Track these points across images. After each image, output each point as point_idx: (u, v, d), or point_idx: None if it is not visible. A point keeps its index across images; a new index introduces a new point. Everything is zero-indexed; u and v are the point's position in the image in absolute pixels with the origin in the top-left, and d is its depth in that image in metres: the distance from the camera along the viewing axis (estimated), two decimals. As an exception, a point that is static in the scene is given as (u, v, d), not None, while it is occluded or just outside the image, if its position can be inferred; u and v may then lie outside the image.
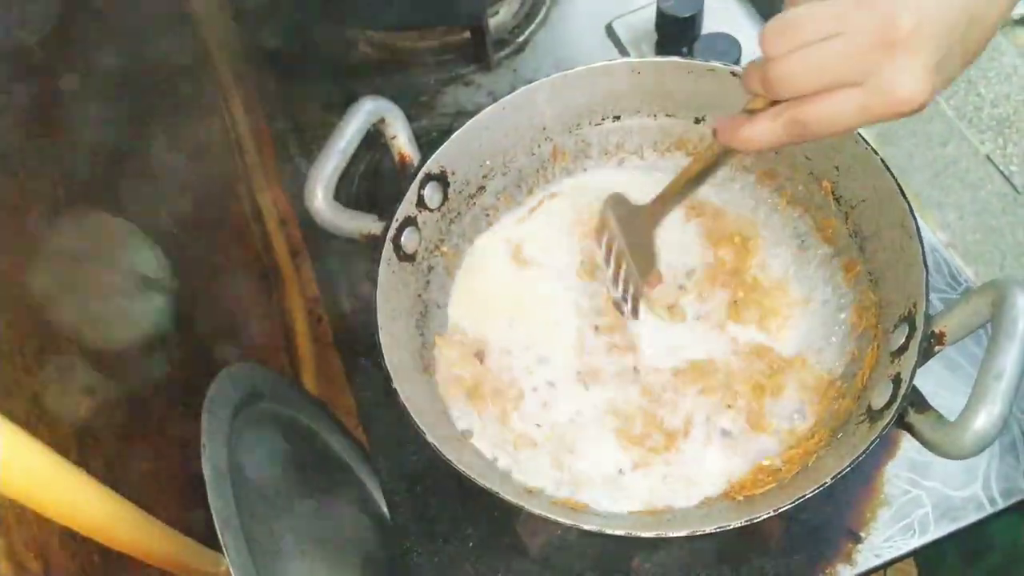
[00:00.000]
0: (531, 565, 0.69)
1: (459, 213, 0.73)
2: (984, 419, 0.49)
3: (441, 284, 0.72)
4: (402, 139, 0.68)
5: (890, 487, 0.71)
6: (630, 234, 0.67)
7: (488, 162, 0.74)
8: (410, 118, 0.93)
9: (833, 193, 0.69)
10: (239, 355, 0.77)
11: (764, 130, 0.48)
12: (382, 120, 0.67)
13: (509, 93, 0.71)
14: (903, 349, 0.58)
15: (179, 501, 0.59)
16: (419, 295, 0.70)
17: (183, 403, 0.63)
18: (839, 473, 0.53)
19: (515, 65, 0.99)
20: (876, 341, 0.63)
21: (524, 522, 0.67)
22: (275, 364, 0.94)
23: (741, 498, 0.60)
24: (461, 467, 0.56)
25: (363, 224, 0.66)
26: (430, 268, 0.71)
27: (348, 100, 0.75)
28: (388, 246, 0.66)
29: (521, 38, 1.00)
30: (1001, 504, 0.69)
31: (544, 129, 0.75)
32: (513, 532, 0.69)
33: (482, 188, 0.74)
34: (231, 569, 0.51)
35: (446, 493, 0.72)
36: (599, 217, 0.69)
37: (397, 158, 0.68)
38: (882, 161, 0.63)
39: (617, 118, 0.75)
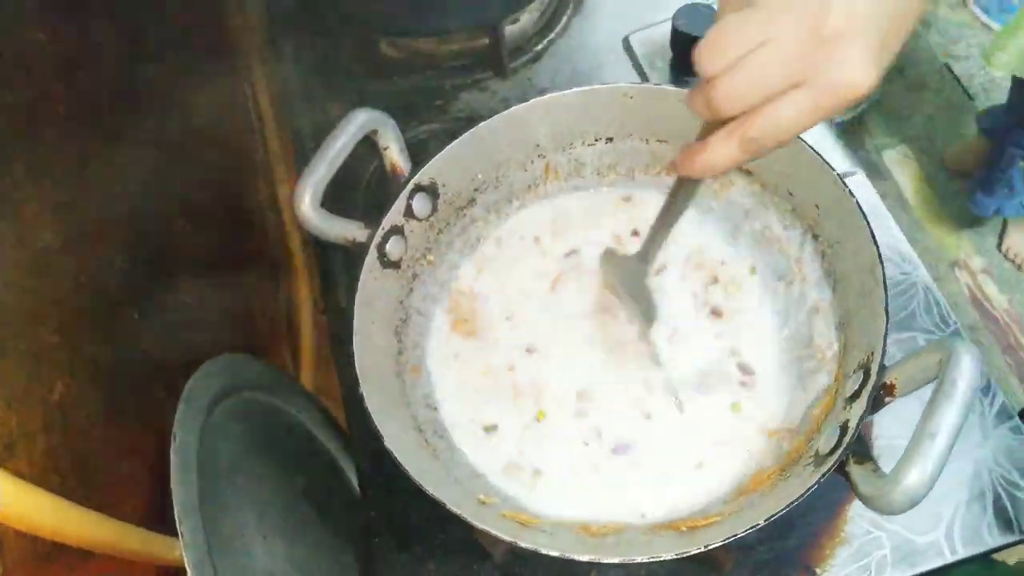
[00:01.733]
0: (494, 571, 0.71)
1: (448, 223, 0.75)
2: (915, 477, 0.49)
3: (425, 293, 0.74)
4: (394, 150, 0.70)
5: (852, 526, 0.71)
6: (629, 285, 0.67)
7: (480, 176, 0.75)
8: (422, 121, 0.97)
9: (812, 231, 0.69)
10: (241, 343, 0.80)
11: (720, 153, 0.48)
12: (375, 131, 0.69)
13: (522, 102, 0.72)
14: (855, 396, 0.59)
15: (157, 489, 0.62)
16: (401, 301, 0.72)
17: (169, 389, 0.66)
18: (772, 516, 0.54)
19: (530, 74, 1.01)
20: (836, 384, 0.63)
21: (481, 531, 0.69)
22: (277, 355, 0.97)
23: (685, 528, 0.61)
24: (412, 472, 0.58)
25: (349, 231, 0.68)
26: (415, 276, 0.74)
27: (364, 101, 0.78)
28: (372, 253, 0.69)
29: (539, 47, 1.01)
30: (962, 554, 0.69)
31: (537, 146, 0.76)
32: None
33: (472, 201, 0.76)
34: (184, 552, 0.54)
35: (420, 493, 0.75)
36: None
37: (389, 168, 0.71)
38: (857, 204, 0.64)
39: (610, 140, 0.76)
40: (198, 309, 0.81)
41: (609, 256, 0.70)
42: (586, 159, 0.77)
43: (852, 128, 1.97)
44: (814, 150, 0.66)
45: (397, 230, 0.71)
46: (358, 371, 0.63)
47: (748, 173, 0.73)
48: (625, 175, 0.78)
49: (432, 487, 0.57)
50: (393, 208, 0.70)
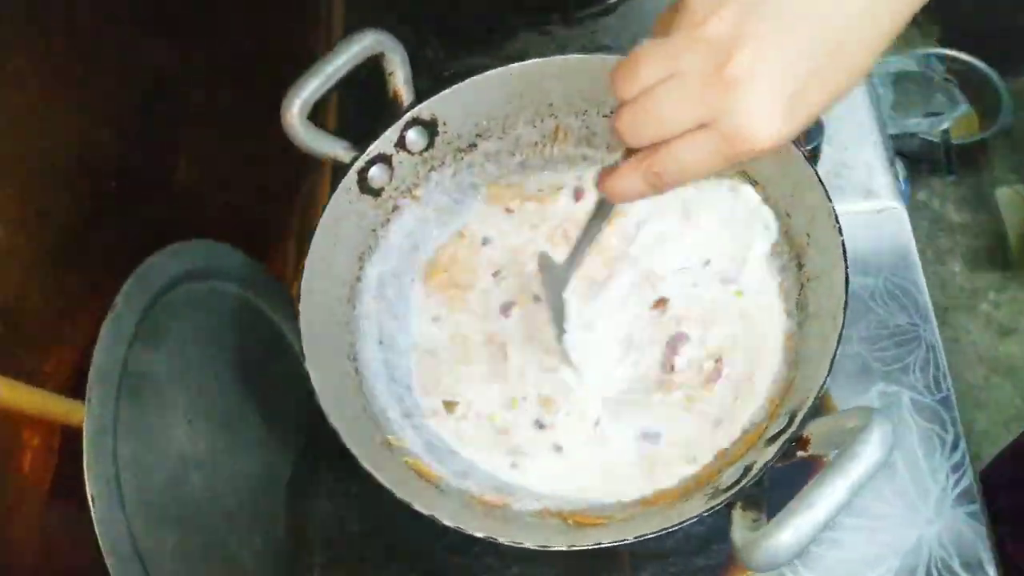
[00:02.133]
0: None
1: (443, 163, 0.74)
2: (780, 541, 0.46)
3: (402, 228, 0.74)
4: (398, 77, 0.69)
5: (765, 564, 0.69)
6: (552, 291, 0.65)
7: (485, 122, 0.73)
8: (472, 51, 0.95)
9: (799, 259, 0.65)
10: (240, 239, 0.81)
11: (626, 181, 0.46)
12: (381, 55, 0.68)
13: (578, 52, 0.71)
14: (774, 439, 0.56)
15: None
16: (373, 230, 0.72)
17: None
18: (641, 536, 0.53)
19: (596, 27, 0.97)
20: (767, 422, 0.60)
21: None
22: (276, 259, 0.98)
23: (572, 522, 0.60)
24: (325, 407, 0.58)
25: (333, 149, 0.68)
26: (395, 208, 0.73)
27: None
28: (352, 176, 0.68)
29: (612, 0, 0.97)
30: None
31: (551, 105, 0.73)
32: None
33: (473, 146, 0.75)
34: (85, 419, 0.57)
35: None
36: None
37: (391, 95, 0.70)
38: (843, 243, 0.59)
39: (626, 115, 0.72)
40: (196, 191, 0.83)
41: (543, 259, 0.67)
42: (598, 128, 0.74)
43: (971, 153, 1.82)
44: (819, 176, 0.62)
45: (384, 158, 0.70)
46: (302, 288, 0.64)
47: (754, 183, 0.69)
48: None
49: (339, 421, 0.58)
50: (384, 136, 0.69)
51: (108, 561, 0.58)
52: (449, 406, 0.67)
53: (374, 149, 0.69)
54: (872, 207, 0.81)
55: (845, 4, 0.41)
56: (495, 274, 0.73)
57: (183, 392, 0.70)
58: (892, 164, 0.85)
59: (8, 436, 0.60)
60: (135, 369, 0.64)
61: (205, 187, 0.86)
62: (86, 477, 0.58)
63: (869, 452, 0.47)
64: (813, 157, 0.79)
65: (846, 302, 0.57)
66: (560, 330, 0.65)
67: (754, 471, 0.53)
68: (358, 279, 0.71)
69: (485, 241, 0.75)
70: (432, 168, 0.74)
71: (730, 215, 0.70)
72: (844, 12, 0.41)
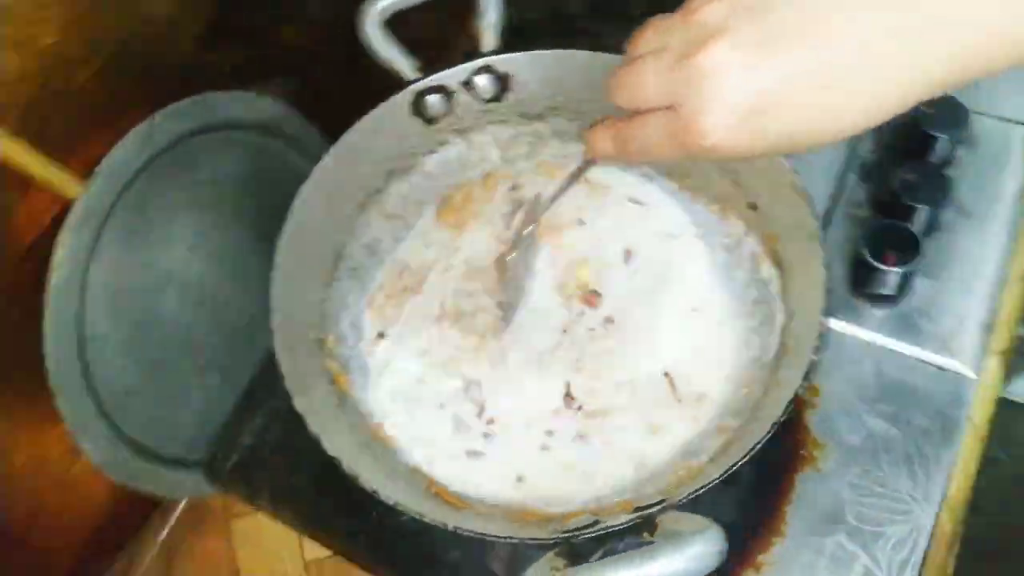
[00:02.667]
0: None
1: (506, 121, 0.73)
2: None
3: (443, 161, 0.74)
4: (489, 20, 0.68)
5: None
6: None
7: (561, 99, 0.72)
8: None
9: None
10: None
11: (599, 136, 0.46)
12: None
13: None
14: (640, 509, 0.52)
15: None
16: (414, 153, 0.73)
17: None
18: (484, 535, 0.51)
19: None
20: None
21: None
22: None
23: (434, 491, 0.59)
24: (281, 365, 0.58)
25: (400, 63, 0.68)
26: (443, 142, 0.73)
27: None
28: (407, 95, 0.69)
29: None
30: None
31: None
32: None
33: (541, 117, 0.73)
34: (73, 207, 0.62)
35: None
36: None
37: (475, 34, 0.69)
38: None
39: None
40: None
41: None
42: None
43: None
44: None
45: (446, 91, 0.70)
46: (319, 166, 0.65)
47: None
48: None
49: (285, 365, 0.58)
50: (453, 70, 0.69)
51: (46, 325, 0.63)
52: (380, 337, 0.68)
53: (439, 79, 0.69)
54: (940, 363, 0.72)
55: (869, 43, 0.35)
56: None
57: (196, 222, 0.74)
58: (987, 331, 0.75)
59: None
60: (151, 186, 0.68)
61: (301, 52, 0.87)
62: (57, 244, 0.63)
63: (681, 555, 0.43)
64: (902, 284, 0.71)
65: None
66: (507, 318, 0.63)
67: (595, 528, 0.50)
68: (378, 191, 0.72)
69: (514, 187, 0.74)
70: (492, 122, 0.73)
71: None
72: (860, 49, 0.36)
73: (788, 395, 0.52)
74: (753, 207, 0.65)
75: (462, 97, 0.71)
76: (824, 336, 0.54)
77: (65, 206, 0.64)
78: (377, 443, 0.62)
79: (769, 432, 0.51)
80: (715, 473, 0.49)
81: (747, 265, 0.66)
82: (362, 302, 0.70)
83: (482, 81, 0.70)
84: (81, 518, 0.87)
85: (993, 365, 0.71)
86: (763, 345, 0.62)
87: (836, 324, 0.73)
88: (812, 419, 0.70)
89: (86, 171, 0.64)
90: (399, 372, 0.66)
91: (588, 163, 0.53)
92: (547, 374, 0.66)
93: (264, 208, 0.77)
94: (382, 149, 0.70)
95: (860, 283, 0.74)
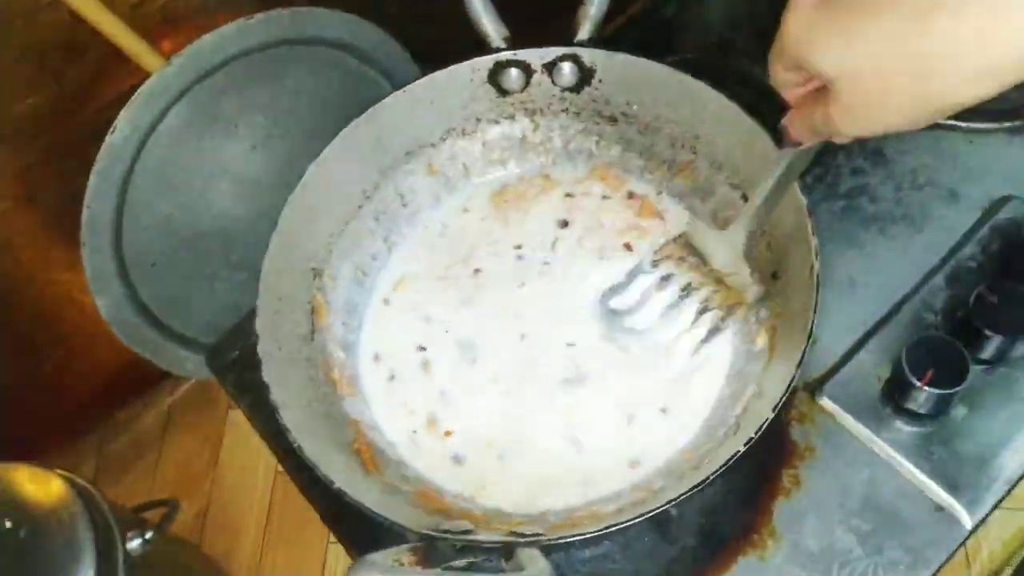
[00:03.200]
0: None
1: (578, 114, 0.72)
2: None
3: (504, 135, 0.73)
4: (591, 10, 0.66)
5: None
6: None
7: (636, 108, 0.69)
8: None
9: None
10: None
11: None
12: None
13: None
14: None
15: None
16: (478, 119, 0.72)
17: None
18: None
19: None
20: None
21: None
22: None
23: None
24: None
25: (490, 28, 0.68)
26: (510, 116, 0.72)
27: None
28: (487, 61, 0.68)
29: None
30: None
31: (697, 138, 0.68)
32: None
33: (614, 120, 0.71)
34: (150, 78, 0.65)
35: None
36: None
37: (575, 18, 0.68)
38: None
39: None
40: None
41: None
42: (717, 192, 0.68)
43: None
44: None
45: (527, 69, 0.69)
46: (379, 104, 0.65)
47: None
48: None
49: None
50: (540, 50, 0.68)
51: (91, 179, 0.68)
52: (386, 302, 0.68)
53: (524, 55, 0.68)
54: (941, 500, 0.67)
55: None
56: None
57: (268, 125, 0.77)
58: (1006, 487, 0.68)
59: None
60: (231, 80, 0.70)
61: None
62: (122, 109, 0.67)
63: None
64: (937, 406, 0.66)
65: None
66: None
67: (462, 537, 0.50)
68: (433, 145, 0.72)
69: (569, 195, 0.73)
70: (566, 110, 0.72)
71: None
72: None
73: (700, 476, 0.50)
74: (775, 276, 0.62)
75: (542, 79, 0.70)
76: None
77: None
78: (328, 385, 0.62)
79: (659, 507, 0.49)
80: (607, 523, 0.48)
81: (747, 331, 0.63)
82: (379, 249, 0.70)
83: (566, 68, 0.69)
84: (102, 357, 0.93)
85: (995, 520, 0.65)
86: (723, 417, 0.59)
87: (849, 422, 0.69)
88: (780, 506, 0.67)
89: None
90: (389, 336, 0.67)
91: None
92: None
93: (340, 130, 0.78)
94: (447, 106, 0.70)
95: (892, 390, 0.69)
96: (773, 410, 0.51)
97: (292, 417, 0.55)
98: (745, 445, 0.50)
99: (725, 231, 0.61)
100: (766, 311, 0.62)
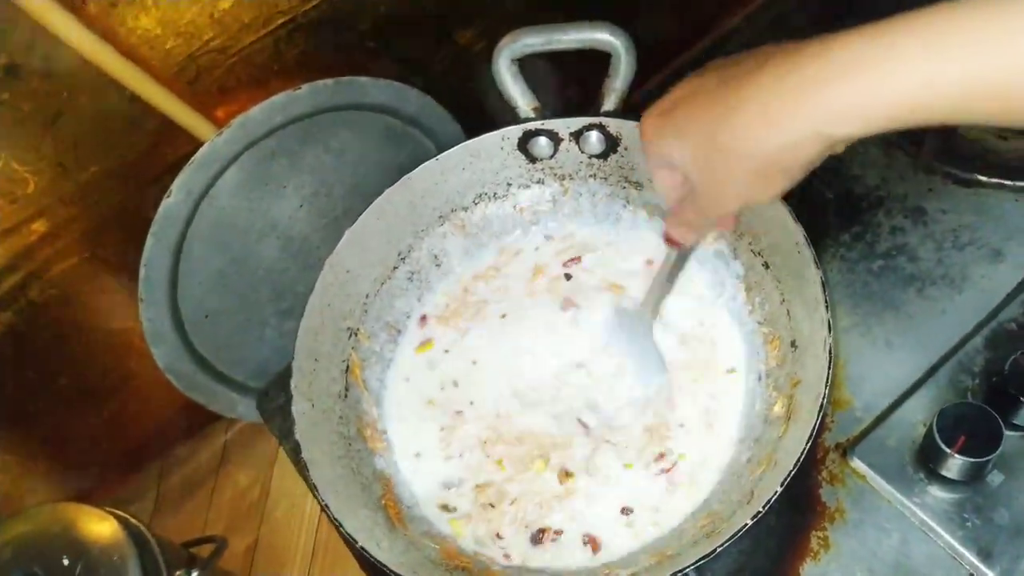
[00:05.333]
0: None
1: (606, 179, 0.74)
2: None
3: (532, 199, 0.76)
4: (615, 82, 0.69)
5: None
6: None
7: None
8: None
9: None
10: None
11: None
12: (613, 55, 0.68)
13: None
14: None
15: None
16: (509, 184, 0.75)
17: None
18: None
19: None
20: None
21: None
22: None
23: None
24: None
25: (519, 100, 0.70)
26: (540, 180, 0.75)
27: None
28: (517, 131, 0.71)
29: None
30: None
31: None
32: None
33: (640, 186, 0.73)
34: (206, 144, 0.69)
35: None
36: None
37: (600, 93, 0.70)
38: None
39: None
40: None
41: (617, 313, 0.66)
42: (743, 259, 0.69)
43: None
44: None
45: (555, 137, 0.72)
46: (417, 170, 0.69)
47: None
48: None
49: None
50: (567, 120, 0.70)
51: (148, 240, 0.72)
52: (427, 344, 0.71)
53: (551, 125, 0.71)
54: (974, 568, 0.65)
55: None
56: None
57: (315, 185, 0.80)
58: None
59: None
60: (282, 144, 0.75)
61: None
62: (177, 176, 0.71)
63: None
64: (971, 473, 0.66)
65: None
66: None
67: None
68: (465, 209, 0.75)
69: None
70: (594, 176, 0.74)
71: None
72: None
73: (711, 546, 0.50)
74: (794, 345, 0.62)
75: (570, 146, 0.72)
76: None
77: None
78: (359, 441, 0.65)
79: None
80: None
81: (766, 399, 0.64)
82: (413, 307, 0.73)
83: (592, 137, 0.71)
84: (160, 400, 0.99)
85: (1027, 594, 0.64)
86: (738, 484, 0.60)
87: (881, 485, 0.68)
88: (808, 569, 0.66)
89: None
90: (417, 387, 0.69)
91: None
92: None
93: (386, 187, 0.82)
94: (480, 172, 0.73)
95: (924, 455, 0.68)
96: (781, 484, 0.51)
97: (322, 475, 0.58)
98: (752, 519, 0.51)
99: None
100: (785, 379, 0.62)
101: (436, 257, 0.75)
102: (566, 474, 0.65)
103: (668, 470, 0.64)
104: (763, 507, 0.51)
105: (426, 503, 0.64)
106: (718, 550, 0.51)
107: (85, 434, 0.99)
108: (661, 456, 0.64)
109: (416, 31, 0.85)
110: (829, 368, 0.55)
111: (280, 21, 0.76)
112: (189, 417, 1.05)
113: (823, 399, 0.54)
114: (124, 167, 0.77)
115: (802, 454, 0.52)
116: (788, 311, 0.63)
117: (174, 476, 1.12)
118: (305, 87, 0.73)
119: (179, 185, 0.71)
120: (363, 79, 0.76)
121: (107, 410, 0.99)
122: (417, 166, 0.70)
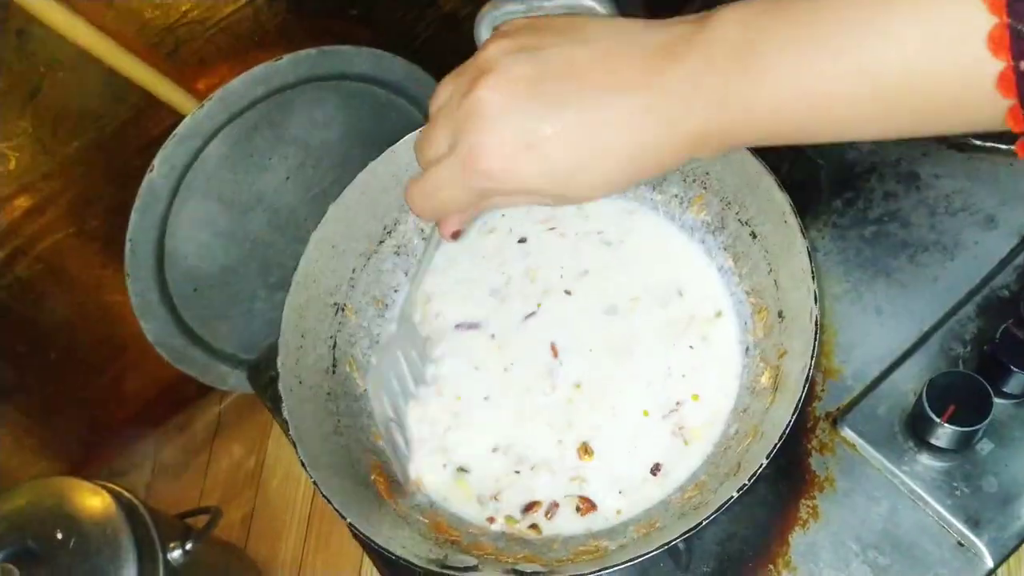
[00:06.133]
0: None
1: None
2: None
3: None
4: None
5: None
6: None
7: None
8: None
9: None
10: None
11: (411, 198, 0.46)
12: None
13: None
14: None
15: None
16: None
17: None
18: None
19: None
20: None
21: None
22: None
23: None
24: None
25: None
26: None
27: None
28: None
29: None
30: None
31: (707, 175, 0.68)
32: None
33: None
34: (187, 117, 0.68)
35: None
36: None
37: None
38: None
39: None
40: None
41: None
42: (729, 227, 0.68)
43: None
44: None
45: None
46: (374, 164, 0.68)
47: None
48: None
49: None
50: None
51: (133, 216, 0.72)
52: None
53: None
54: (963, 536, 0.65)
55: (628, 115, 0.38)
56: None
57: (301, 156, 0.79)
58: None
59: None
60: (265, 116, 0.73)
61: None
62: (159, 150, 0.70)
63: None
64: (961, 441, 0.65)
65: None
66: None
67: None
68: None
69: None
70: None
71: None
72: (617, 119, 0.38)
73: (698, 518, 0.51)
74: (781, 316, 0.62)
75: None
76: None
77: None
78: (348, 416, 0.65)
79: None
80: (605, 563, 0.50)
81: (753, 369, 0.64)
82: (400, 281, 0.72)
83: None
84: (153, 371, 0.99)
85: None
86: (726, 456, 0.60)
87: (870, 453, 0.69)
88: (797, 537, 0.67)
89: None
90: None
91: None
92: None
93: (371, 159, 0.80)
94: None
95: (913, 425, 0.68)
96: (767, 457, 0.51)
97: (310, 451, 0.58)
98: (738, 491, 0.51)
99: None
100: (772, 349, 0.62)
101: (423, 231, 0.74)
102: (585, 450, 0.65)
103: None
104: (749, 479, 0.51)
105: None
106: (704, 523, 0.51)
107: (78, 407, 0.99)
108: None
109: (398, -1, 0.83)
110: (815, 340, 0.54)
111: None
112: (183, 388, 1.06)
113: (808, 370, 0.54)
114: (106, 141, 0.76)
115: (787, 426, 0.52)
116: (776, 281, 0.62)
117: (169, 447, 1.12)
118: (286, 58, 0.72)
119: (162, 159, 0.70)
120: (346, 48, 0.75)
121: (100, 382, 0.99)
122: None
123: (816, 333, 0.55)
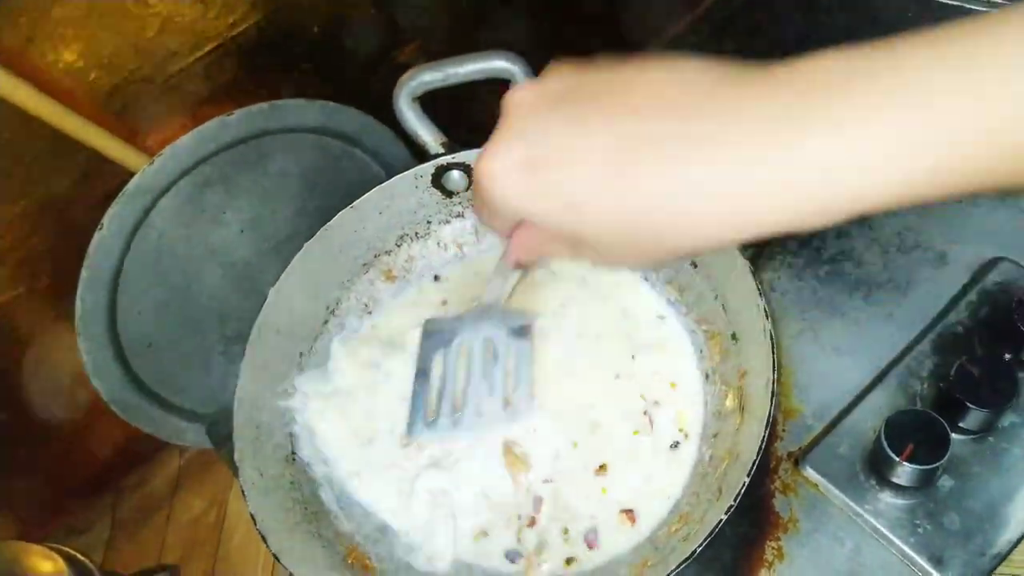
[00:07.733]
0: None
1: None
2: None
3: (453, 233, 0.76)
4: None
5: None
6: None
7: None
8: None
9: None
10: None
11: None
12: (512, 82, 0.67)
13: None
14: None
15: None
16: (428, 222, 0.75)
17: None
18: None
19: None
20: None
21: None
22: None
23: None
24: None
25: (427, 137, 0.70)
26: (459, 214, 0.75)
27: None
28: (429, 167, 0.71)
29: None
30: None
31: None
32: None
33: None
34: (138, 174, 0.67)
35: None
36: None
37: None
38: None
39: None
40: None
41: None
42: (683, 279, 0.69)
43: None
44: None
45: (467, 169, 0.71)
46: (333, 221, 0.68)
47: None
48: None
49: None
50: (474, 151, 0.69)
51: (83, 274, 0.70)
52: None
53: (462, 157, 0.70)
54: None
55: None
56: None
57: (254, 209, 0.78)
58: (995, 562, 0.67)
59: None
60: (216, 171, 0.73)
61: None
62: (108, 208, 0.69)
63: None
64: (921, 479, 0.66)
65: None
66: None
67: None
68: (388, 253, 0.74)
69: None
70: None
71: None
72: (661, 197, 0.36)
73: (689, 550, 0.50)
74: (735, 338, 0.62)
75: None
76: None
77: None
78: (316, 503, 0.64)
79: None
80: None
81: (716, 394, 0.64)
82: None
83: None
84: (110, 429, 0.96)
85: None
86: (705, 482, 0.60)
87: (833, 493, 0.69)
88: (762, 580, 0.67)
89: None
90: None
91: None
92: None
93: (329, 210, 0.80)
94: (398, 213, 0.72)
95: (873, 463, 0.69)
96: (748, 474, 0.51)
97: (279, 542, 0.56)
98: (726, 513, 0.50)
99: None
100: (731, 371, 0.62)
101: (366, 305, 0.74)
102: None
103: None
104: (734, 500, 0.51)
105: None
106: (697, 551, 0.50)
107: (32, 467, 0.96)
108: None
109: (352, 52, 0.83)
110: (773, 353, 0.55)
111: (208, 47, 0.74)
112: (142, 442, 1.03)
113: (773, 384, 0.54)
114: (54, 201, 0.75)
115: (763, 441, 0.52)
116: (724, 305, 0.63)
117: (128, 503, 1.10)
118: (237, 113, 0.71)
119: (111, 217, 0.69)
120: (299, 101, 0.75)
121: (55, 441, 0.97)
122: (364, 187, 0.69)
123: (773, 347, 0.55)
